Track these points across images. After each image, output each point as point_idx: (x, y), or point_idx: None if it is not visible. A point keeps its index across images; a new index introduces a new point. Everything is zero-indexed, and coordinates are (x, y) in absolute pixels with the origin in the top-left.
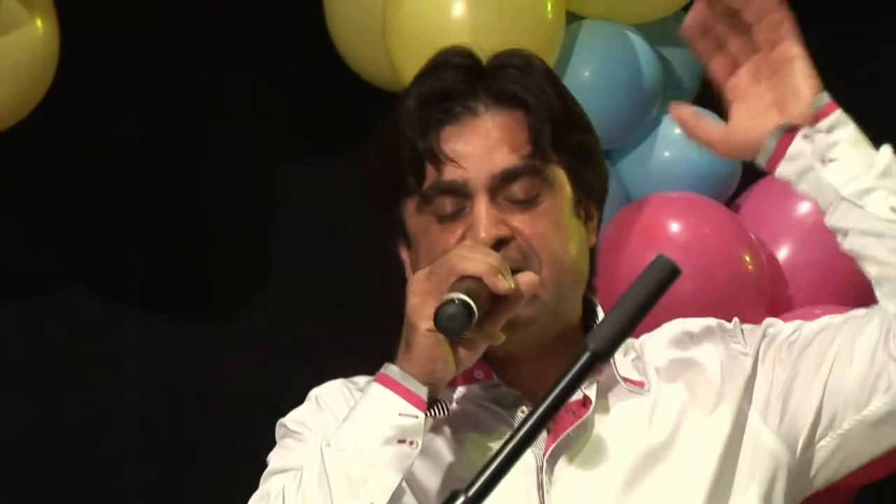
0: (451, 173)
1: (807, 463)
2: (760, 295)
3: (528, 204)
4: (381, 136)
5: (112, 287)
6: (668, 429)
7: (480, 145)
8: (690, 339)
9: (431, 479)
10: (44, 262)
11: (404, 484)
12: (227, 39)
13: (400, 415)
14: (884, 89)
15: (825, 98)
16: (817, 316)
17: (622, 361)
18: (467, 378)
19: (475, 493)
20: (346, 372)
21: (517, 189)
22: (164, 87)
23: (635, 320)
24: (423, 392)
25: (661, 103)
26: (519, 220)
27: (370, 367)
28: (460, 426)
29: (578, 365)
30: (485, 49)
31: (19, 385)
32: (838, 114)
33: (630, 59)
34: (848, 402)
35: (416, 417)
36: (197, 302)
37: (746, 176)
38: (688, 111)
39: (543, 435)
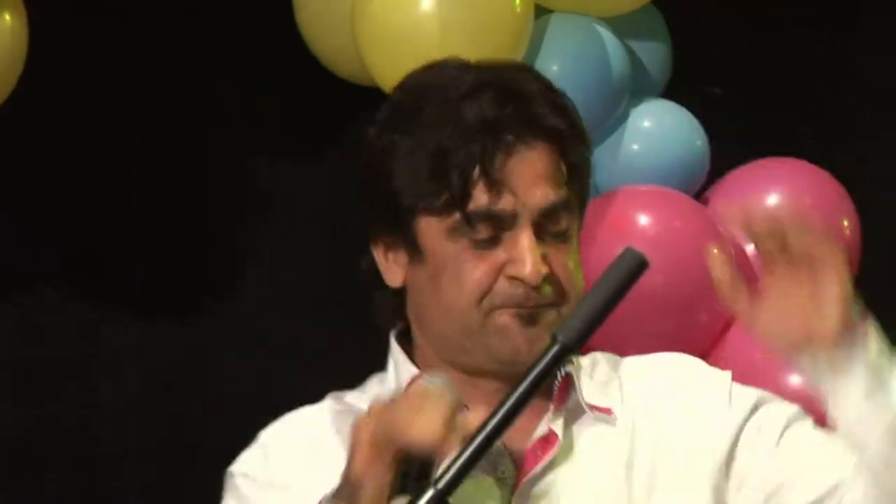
0: (503, 202)
1: None
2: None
3: (560, 238)
4: (388, 139)
5: (111, 287)
6: (646, 469)
7: (529, 176)
8: (684, 383)
9: None
10: (44, 261)
11: None
12: (220, 44)
13: None
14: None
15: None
16: None
17: (589, 385)
18: None
19: (445, 484)
20: (346, 372)
21: (554, 224)
22: (160, 90)
23: (605, 313)
24: None
25: (630, 97)
26: (553, 256)
27: (370, 367)
28: None
29: (547, 358)
30: (454, 46)
31: (19, 385)
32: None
33: (599, 52)
34: None
35: None
36: (196, 302)
37: (714, 169)
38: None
39: (512, 471)
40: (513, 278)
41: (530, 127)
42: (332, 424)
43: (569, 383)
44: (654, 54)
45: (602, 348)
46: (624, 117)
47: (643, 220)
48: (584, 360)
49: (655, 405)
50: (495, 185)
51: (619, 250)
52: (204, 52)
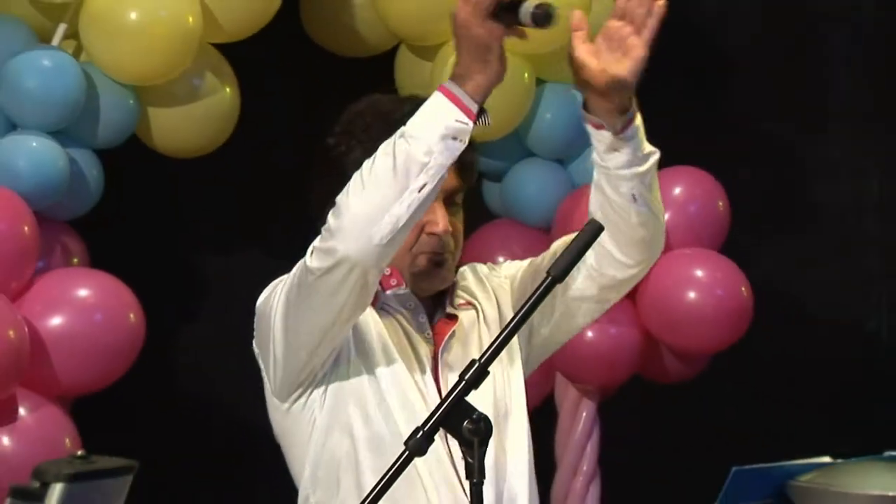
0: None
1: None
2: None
3: (457, 209)
4: (346, 145)
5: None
6: (495, 328)
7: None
8: (490, 275)
9: (371, 339)
10: None
11: (350, 333)
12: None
13: (456, 121)
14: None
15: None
16: (686, 257)
17: (462, 290)
18: (387, 285)
19: (485, 361)
20: None
21: (454, 201)
22: None
23: (578, 258)
24: (474, 106)
25: None
26: (453, 222)
27: None
28: (387, 314)
29: (543, 286)
30: None
31: None
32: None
33: (574, 105)
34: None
35: (467, 124)
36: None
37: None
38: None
39: (430, 336)
40: (430, 234)
41: None
42: None
43: (454, 289)
44: None
45: None
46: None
47: None
48: (464, 271)
49: (486, 295)
50: None
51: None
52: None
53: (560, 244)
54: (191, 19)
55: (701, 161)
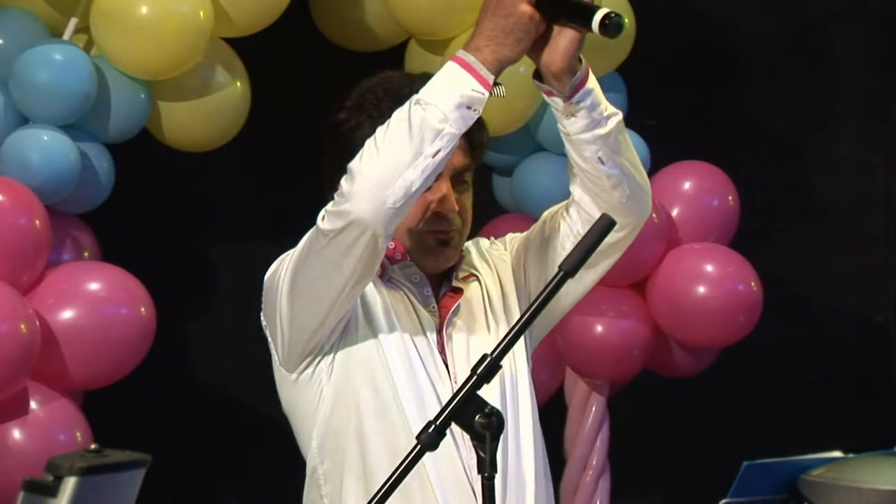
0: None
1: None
2: (660, 239)
3: (465, 187)
4: (356, 119)
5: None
6: (497, 302)
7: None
8: (491, 249)
9: (378, 310)
10: None
11: (358, 302)
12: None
13: (472, 90)
14: None
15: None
16: (696, 251)
17: (466, 264)
18: (392, 258)
19: (497, 354)
20: None
21: (462, 179)
22: None
23: (588, 253)
24: (490, 77)
25: None
26: (460, 200)
27: None
28: (394, 287)
29: (555, 281)
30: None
31: None
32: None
33: None
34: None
35: (483, 94)
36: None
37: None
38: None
39: (437, 309)
40: (437, 212)
41: None
42: None
43: (460, 263)
44: (616, 100)
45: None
46: None
47: None
48: (468, 246)
49: (489, 268)
50: None
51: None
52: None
53: (548, 214)
54: (202, 14)
55: (711, 156)
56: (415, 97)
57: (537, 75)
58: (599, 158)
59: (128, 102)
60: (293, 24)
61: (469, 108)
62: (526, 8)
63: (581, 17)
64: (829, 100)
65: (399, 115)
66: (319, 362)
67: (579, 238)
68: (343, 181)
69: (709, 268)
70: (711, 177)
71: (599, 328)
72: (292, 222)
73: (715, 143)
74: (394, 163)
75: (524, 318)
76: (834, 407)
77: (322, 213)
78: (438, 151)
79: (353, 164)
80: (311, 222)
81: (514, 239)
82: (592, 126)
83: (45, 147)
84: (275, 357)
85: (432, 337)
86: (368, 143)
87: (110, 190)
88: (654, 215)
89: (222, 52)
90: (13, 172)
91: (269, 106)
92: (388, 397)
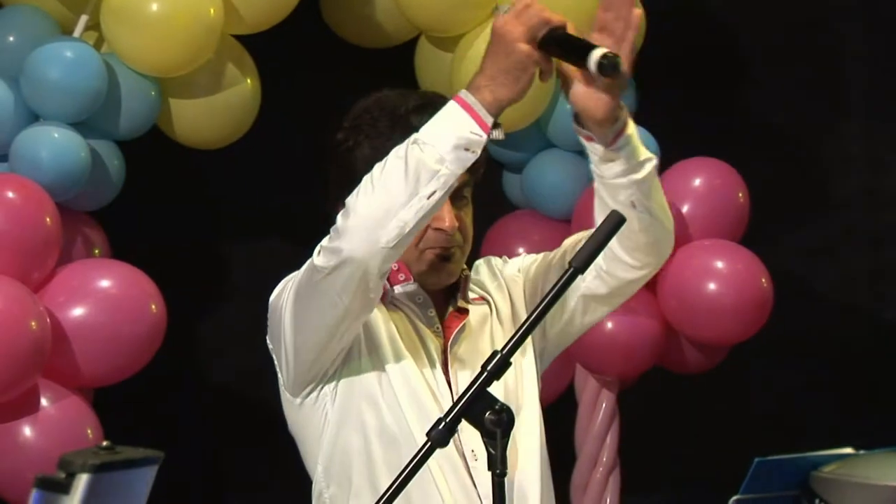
0: None
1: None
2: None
3: (465, 203)
4: (354, 139)
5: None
6: (507, 322)
7: None
8: (504, 268)
9: (381, 334)
10: None
11: (360, 329)
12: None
13: (471, 132)
14: None
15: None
16: (707, 248)
17: (475, 283)
18: (394, 280)
19: (508, 351)
20: None
21: (462, 195)
22: None
23: (598, 250)
24: (489, 119)
25: None
26: (460, 216)
27: None
28: (396, 309)
29: (565, 278)
30: None
31: None
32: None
33: None
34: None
35: (481, 136)
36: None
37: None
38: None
39: (441, 329)
40: (437, 229)
41: None
42: None
43: (466, 283)
44: (625, 97)
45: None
46: None
47: None
48: (478, 265)
49: (499, 288)
50: None
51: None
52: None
53: (571, 241)
54: (212, 11)
55: (721, 153)
56: (414, 136)
57: (577, 119)
58: (632, 202)
59: (138, 99)
60: (303, 20)
61: (467, 149)
62: (524, 47)
63: (578, 57)
64: (840, 96)
65: (396, 153)
66: (323, 387)
67: (602, 273)
68: (339, 216)
69: (719, 264)
70: (722, 173)
71: (609, 325)
72: (302, 219)
73: (725, 140)
74: (389, 202)
75: (534, 315)
76: (845, 403)
77: (318, 247)
78: (434, 192)
79: (350, 200)
80: (321, 220)
81: (533, 261)
82: (629, 172)
83: (56, 144)
84: (280, 379)
85: (437, 358)
86: (365, 180)
87: (121, 187)
88: None
89: (233, 49)
90: (24, 170)
91: (280, 103)
92: (392, 422)
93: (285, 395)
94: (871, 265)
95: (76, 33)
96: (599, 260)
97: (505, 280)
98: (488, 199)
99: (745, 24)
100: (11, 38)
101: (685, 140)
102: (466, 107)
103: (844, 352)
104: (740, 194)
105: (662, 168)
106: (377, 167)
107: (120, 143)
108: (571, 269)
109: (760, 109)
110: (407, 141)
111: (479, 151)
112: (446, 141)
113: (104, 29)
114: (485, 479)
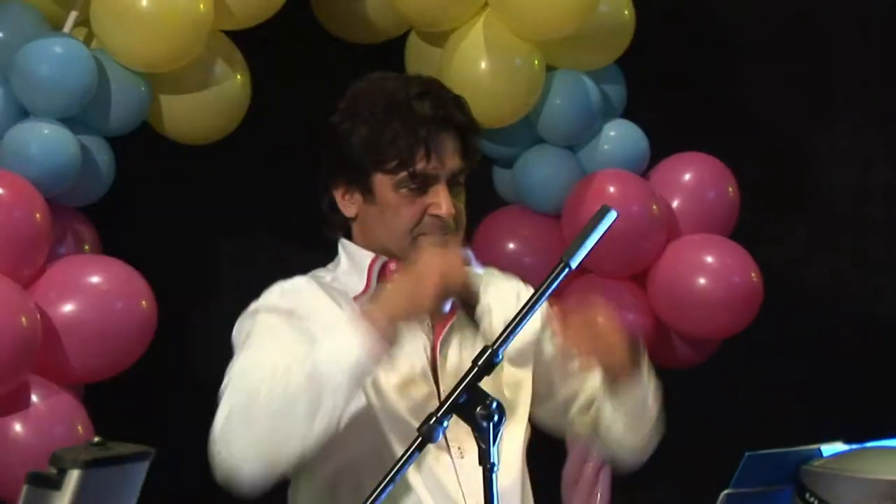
0: (433, 167)
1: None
2: (661, 231)
3: (459, 190)
4: (350, 123)
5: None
6: (498, 323)
7: (448, 152)
8: (521, 294)
9: None
10: None
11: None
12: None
13: (367, 357)
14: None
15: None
16: (696, 243)
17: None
18: (390, 279)
19: (498, 344)
20: None
21: (457, 182)
22: None
23: (586, 241)
24: (386, 349)
25: (602, 117)
26: (455, 202)
27: None
28: None
29: (556, 273)
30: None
31: None
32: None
33: (584, 92)
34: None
35: (376, 363)
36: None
37: (653, 159)
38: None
39: (430, 327)
40: (434, 215)
41: (450, 122)
42: (321, 288)
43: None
44: (615, 92)
45: (586, 265)
46: (599, 129)
47: (611, 189)
48: (490, 272)
49: (498, 303)
50: (429, 156)
51: (597, 207)
52: None
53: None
54: (202, 6)
55: (711, 147)
56: (307, 358)
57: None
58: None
59: (128, 95)
60: (293, 16)
61: (363, 372)
62: (432, 305)
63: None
64: (829, 91)
65: (291, 379)
66: None
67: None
68: (221, 421)
69: (709, 259)
70: (711, 168)
71: (600, 320)
72: (292, 215)
73: (715, 135)
74: (281, 433)
75: (524, 310)
76: (835, 397)
77: (213, 430)
78: (327, 425)
79: (234, 418)
80: (310, 215)
81: (551, 327)
82: (637, 410)
83: (46, 140)
84: None
85: (426, 354)
86: (253, 406)
87: (111, 183)
88: (654, 206)
89: (222, 44)
90: (13, 165)
91: (270, 98)
92: (381, 421)
93: None
94: (861, 259)
95: (66, 29)
96: (584, 400)
97: (519, 289)
98: (478, 195)
99: (735, 19)
100: (1, 34)
101: (675, 135)
102: (365, 336)
103: (833, 346)
104: (730, 189)
105: (652, 163)
106: (268, 394)
107: (110, 139)
108: (562, 265)
109: (750, 105)
110: (301, 362)
111: (372, 375)
112: (339, 371)
113: (94, 25)
114: (470, 475)
